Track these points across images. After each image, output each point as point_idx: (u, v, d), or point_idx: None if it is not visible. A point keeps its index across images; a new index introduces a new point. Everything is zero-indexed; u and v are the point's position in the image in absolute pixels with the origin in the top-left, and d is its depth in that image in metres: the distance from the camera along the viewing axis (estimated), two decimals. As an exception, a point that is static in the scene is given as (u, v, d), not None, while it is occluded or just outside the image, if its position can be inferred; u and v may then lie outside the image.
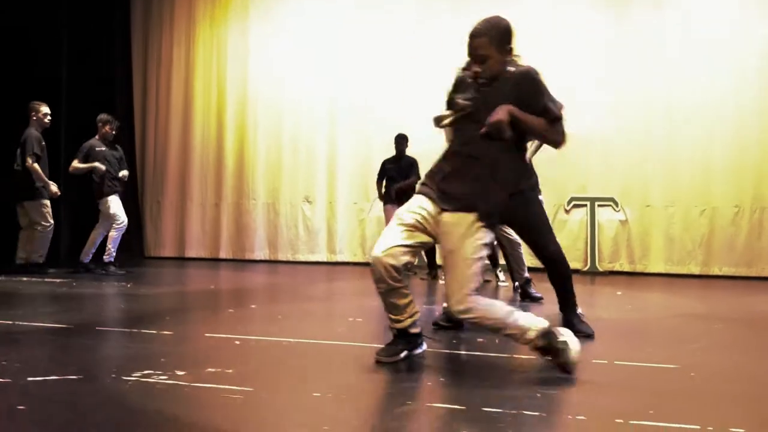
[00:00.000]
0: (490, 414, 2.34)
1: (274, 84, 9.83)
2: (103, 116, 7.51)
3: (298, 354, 3.47)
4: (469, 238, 2.91)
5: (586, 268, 8.74)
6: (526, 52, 8.02)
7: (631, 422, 2.27)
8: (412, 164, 7.82)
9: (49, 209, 7.23)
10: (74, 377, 2.88)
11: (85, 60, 9.61)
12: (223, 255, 9.89)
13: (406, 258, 2.98)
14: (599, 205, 8.86)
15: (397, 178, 7.81)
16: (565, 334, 2.89)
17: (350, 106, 9.43)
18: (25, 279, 6.59)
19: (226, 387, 2.69)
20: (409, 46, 9.38)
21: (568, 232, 8.93)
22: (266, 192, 9.80)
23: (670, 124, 8.63)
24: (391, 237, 2.98)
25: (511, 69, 3.07)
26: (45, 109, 7.26)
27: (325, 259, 9.54)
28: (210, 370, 3.03)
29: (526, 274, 5.79)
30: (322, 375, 3.03)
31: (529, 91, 3.01)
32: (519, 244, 5.70)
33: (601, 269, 8.70)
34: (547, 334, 2.87)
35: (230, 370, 3.02)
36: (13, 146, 7.26)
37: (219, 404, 2.50)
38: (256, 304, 5.74)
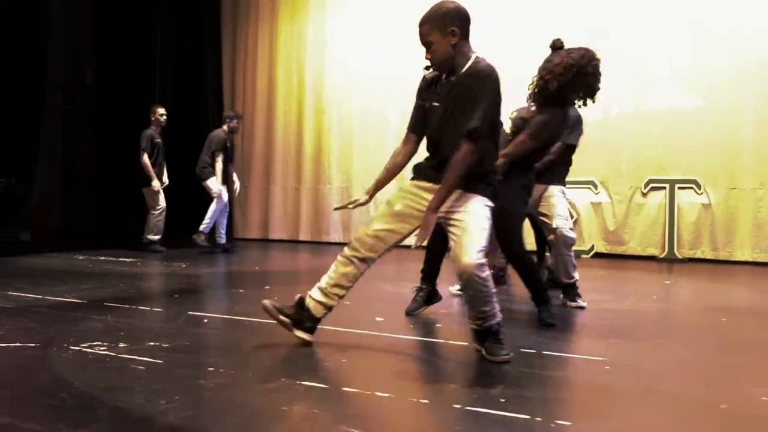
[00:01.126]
0: (349, 393, 2.39)
1: (349, 73, 10.06)
2: (229, 112, 8.62)
3: (248, 332, 3.61)
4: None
5: (663, 255, 8.24)
6: (600, 25, 7.83)
7: (468, 408, 2.23)
8: None
9: (161, 195, 8.16)
10: (32, 345, 3.20)
11: (180, 56, 10.45)
12: (302, 237, 10.30)
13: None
14: (680, 188, 8.28)
15: None
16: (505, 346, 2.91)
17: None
18: (102, 258, 7.25)
19: (141, 358, 2.89)
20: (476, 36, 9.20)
21: (645, 216, 8.46)
22: (340, 177, 10.08)
23: (760, 100, 7.90)
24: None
25: (467, 64, 3.00)
26: (161, 110, 8.28)
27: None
28: (150, 343, 3.25)
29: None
30: (228, 351, 3.17)
31: (470, 92, 2.91)
32: None
33: (680, 256, 8.17)
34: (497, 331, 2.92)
35: (166, 345, 3.23)
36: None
37: (125, 371, 2.70)
38: (278, 284, 5.94)
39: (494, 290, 2.91)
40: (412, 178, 3.17)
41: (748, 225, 7.98)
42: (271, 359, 3.09)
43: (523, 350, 3.14)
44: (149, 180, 8.04)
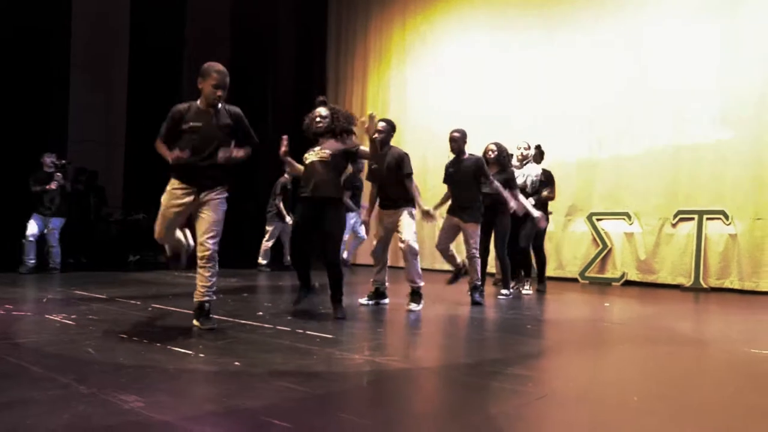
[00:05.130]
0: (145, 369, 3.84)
1: (422, 111, 11.51)
2: None
3: (149, 317, 5.16)
4: None
5: (689, 284, 8.51)
6: (633, 64, 8.82)
7: (225, 402, 3.58)
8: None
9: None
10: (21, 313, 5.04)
11: (293, 108, 12.51)
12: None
13: None
14: (708, 218, 8.53)
15: None
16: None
17: (489, 125, 10.40)
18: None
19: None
20: (526, 73, 10.20)
21: (674, 247, 8.78)
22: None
23: (785, 132, 8.01)
24: None
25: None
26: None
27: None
28: (91, 317, 4.93)
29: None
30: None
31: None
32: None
33: (705, 285, 8.40)
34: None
35: (95, 318, 4.89)
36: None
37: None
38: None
39: None
40: None
41: (774, 256, 8.05)
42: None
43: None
44: (283, 217, 9.84)
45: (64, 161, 8.87)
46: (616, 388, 3.16)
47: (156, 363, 3.29)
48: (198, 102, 4.30)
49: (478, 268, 6.26)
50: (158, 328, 4.40)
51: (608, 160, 9.39)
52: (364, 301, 5.94)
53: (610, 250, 9.30)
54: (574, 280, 9.37)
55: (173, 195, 4.34)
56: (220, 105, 4.29)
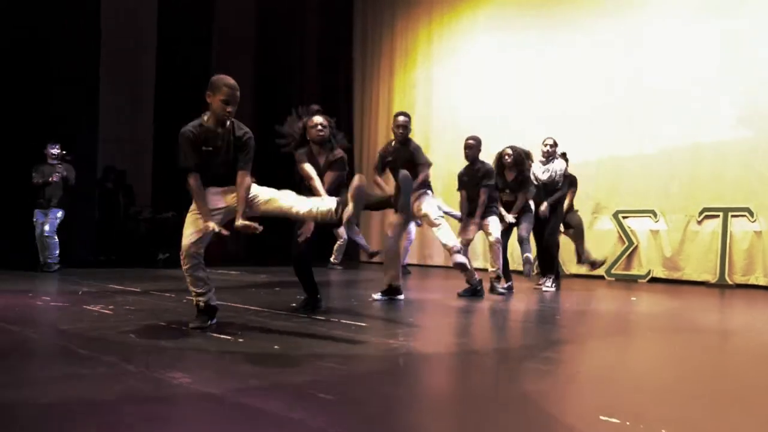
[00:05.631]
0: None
1: (448, 110, 11.58)
2: None
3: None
4: None
5: (714, 281, 8.49)
6: (656, 66, 8.82)
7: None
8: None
9: None
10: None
11: (315, 99, 12.66)
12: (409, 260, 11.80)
13: None
14: (733, 216, 8.50)
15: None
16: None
17: (513, 125, 10.42)
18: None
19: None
20: (553, 71, 10.25)
21: (699, 244, 8.75)
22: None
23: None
24: None
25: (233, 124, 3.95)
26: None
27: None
28: (128, 307, 5.06)
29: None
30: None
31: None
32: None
33: (731, 282, 8.37)
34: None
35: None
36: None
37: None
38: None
39: None
40: None
41: (798, 252, 8.01)
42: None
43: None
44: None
45: (65, 152, 8.46)
46: (642, 371, 3.21)
47: (197, 346, 3.40)
48: (205, 118, 3.92)
49: (500, 257, 6.40)
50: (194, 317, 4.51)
51: (633, 158, 9.38)
52: (377, 296, 5.75)
53: (636, 247, 9.30)
54: (601, 277, 9.38)
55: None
56: (228, 122, 3.90)
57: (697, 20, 8.88)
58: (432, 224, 5.74)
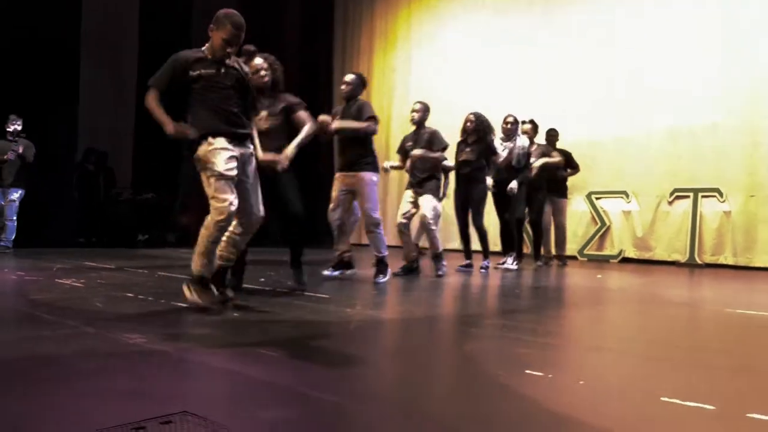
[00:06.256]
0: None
1: (426, 93, 11.60)
2: None
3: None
4: None
5: (684, 260, 8.67)
6: (631, 51, 8.97)
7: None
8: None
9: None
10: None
11: (301, 86, 12.73)
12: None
13: None
14: (703, 196, 8.69)
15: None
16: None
17: (491, 111, 10.53)
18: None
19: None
20: (527, 59, 10.37)
21: (671, 224, 8.94)
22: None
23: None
24: None
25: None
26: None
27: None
28: (100, 281, 5.17)
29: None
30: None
31: None
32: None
33: (700, 262, 8.56)
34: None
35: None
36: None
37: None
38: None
39: None
40: None
41: (766, 232, 8.19)
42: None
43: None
44: None
45: (19, 129, 8.16)
46: (581, 333, 3.36)
47: (158, 314, 3.52)
48: (204, 50, 3.63)
49: (433, 236, 6.26)
50: (163, 289, 4.62)
51: (608, 141, 9.54)
52: (327, 272, 5.63)
53: (608, 228, 9.48)
54: (573, 257, 9.55)
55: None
56: (228, 60, 3.61)
57: (675, 6, 9.02)
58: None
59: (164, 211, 11.43)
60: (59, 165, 9.36)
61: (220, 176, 3.46)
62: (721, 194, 8.51)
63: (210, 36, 3.59)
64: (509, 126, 7.38)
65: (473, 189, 6.75)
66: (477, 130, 6.75)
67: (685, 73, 8.85)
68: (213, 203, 3.47)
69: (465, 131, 6.84)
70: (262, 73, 4.38)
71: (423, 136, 6.31)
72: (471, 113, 6.92)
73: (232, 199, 3.46)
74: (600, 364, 2.65)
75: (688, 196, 8.78)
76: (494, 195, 7.36)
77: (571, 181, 9.79)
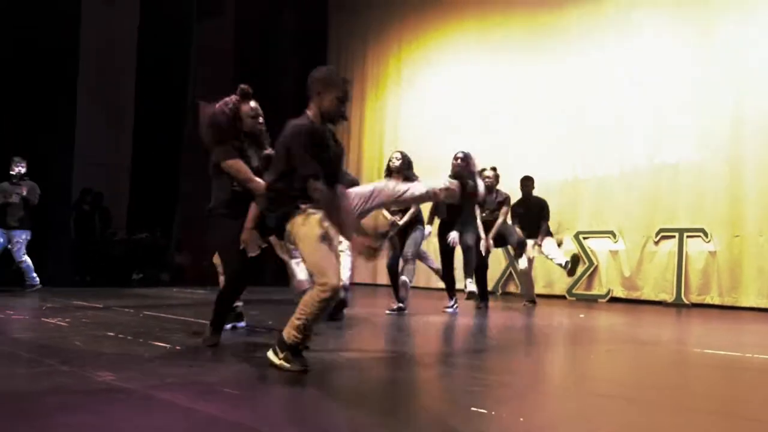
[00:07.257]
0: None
1: (417, 133, 11.89)
2: None
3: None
4: None
5: (671, 300, 8.74)
6: (614, 90, 9.09)
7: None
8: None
9: None
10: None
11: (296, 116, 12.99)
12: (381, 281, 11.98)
13: None
14: (688, 236, 8.79)
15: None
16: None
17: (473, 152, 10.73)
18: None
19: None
20: (514, 98, 10.61)
21: (658, 264, 9.03)
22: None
23: (761, 150, 8.29)
24: None
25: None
26: None
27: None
28: (85, 320, 5.28)
29: None
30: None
31: None
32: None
33: (687, 302, 8.63)
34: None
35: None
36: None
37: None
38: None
39: None
40: None
41: (753, 271, 8.28)
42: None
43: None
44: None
45: (23, 171, 8.21)
46: (543, 374, 3.46)
47: (134, 352, 3.62)
48: (311, 115, 3.34)
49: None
50: (144, 329, 4.72)
51: (591, 180, 9.70)
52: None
53: (596, 267, 9.58)
54: (562, 297, 9.63)
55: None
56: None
57: (657, 44, 9.26)
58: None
59: (158, 250, 11.58)
60: (57, 205, 9.49)
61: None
62: (706, 234, 8.62)
63: (314, 101, 3.33)
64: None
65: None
66: (401, 170, 6.47)
67: (665, 111, 9.04)
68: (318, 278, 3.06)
69: (389, 170, 6.70)
70: (261, 120, 4.12)
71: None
72: (397, 151, 6.92)
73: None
74: (545, 401, 2.75)
75: (673, 236, 8.89)
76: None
77: (559, 220, 9.95)
